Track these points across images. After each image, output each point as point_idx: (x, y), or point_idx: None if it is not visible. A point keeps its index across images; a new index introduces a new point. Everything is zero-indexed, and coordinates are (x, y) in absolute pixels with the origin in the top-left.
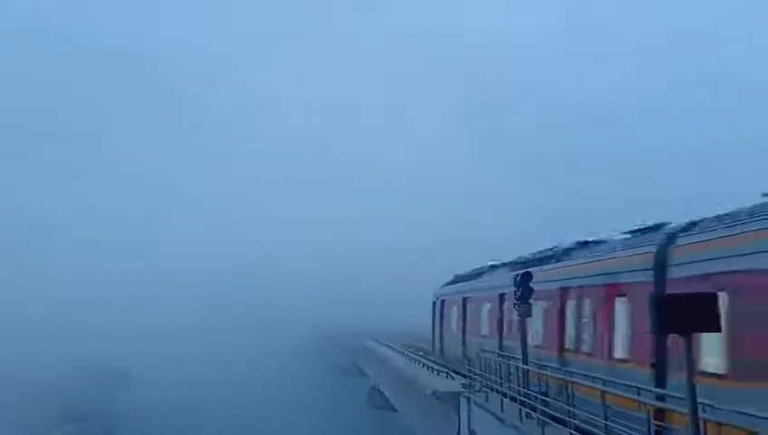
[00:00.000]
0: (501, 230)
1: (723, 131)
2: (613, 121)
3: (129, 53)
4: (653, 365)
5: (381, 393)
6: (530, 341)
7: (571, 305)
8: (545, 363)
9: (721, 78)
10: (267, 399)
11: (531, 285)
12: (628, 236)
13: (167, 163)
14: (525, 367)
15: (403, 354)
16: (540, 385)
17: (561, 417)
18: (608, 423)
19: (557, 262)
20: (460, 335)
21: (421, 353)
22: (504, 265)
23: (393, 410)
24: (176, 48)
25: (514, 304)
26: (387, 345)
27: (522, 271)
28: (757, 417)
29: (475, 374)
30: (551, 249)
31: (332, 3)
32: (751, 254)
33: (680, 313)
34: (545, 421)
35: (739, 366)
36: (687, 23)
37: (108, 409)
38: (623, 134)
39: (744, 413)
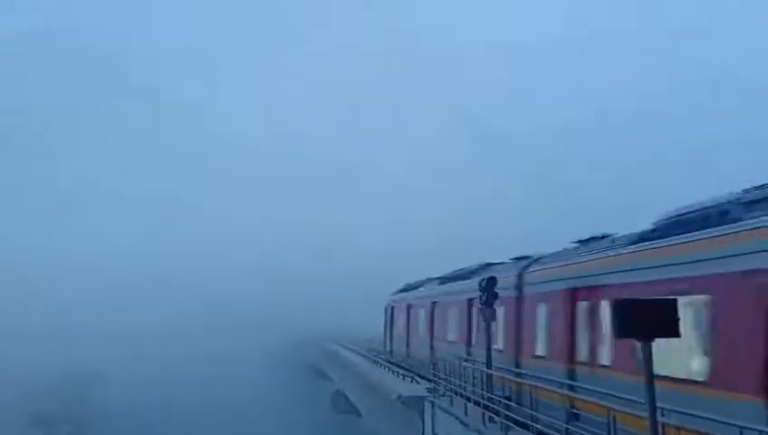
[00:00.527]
0: (501, 230)
1: (723, 131)
2: (613, 122)
3: (127, 52)
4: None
5: (345, 397)
6: (450, 338)
7: (474, 312)
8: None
9: (721, 78)
10: (261, 400)
11: (496, 290)
12: (512, 261)
13: (166, 163)
14: (490, 371)
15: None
16: (504, 389)
17: (524, 421)
18: (569, 427)
19: (465, 279)
20: (405, 337)
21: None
22: (436, 278)
23: (358, 414)
24: (175, 48)
25: (479, 308)
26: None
27: (488, 277)
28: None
29: (440, 378)
30: (464, 269)
31: (332, 3)
32: (556, 280)
33: (639, 318)
34: (508, 425)
35: None
36: (687, 23)
37: (107, 409)
38: (623, 134)
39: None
